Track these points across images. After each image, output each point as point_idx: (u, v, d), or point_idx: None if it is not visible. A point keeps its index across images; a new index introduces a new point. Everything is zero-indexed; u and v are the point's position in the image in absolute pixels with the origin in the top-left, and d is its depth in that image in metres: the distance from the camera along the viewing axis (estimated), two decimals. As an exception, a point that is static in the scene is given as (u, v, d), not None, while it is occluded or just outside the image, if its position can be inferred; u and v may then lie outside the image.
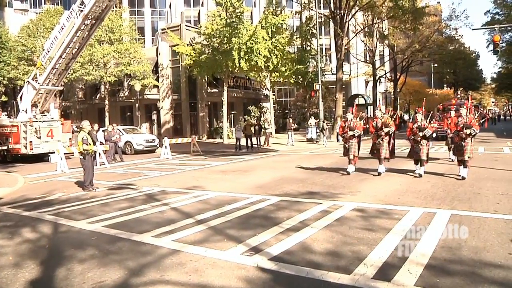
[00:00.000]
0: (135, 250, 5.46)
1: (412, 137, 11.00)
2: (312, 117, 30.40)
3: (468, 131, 10.07)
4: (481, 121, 12.11)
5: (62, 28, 18.24)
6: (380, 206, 7.46)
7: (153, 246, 5.59)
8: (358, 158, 12.33)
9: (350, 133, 11.77)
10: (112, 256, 5.28)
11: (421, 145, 10.78)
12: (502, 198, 7.82)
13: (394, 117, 15.00)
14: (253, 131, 24.79)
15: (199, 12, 46.87)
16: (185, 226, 6.56)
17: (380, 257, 4.79)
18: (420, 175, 10.69)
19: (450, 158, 13.93)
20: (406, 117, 14.05)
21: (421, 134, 10.72)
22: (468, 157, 10.18)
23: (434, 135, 11.13)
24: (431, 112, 13.11)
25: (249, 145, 23.89)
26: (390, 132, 11.54)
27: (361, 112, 14.94)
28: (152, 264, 4.88)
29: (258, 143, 24.55)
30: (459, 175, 10.32)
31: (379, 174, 11.38)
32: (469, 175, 10.71)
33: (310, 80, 32.01)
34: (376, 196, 8.45)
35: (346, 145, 11.99)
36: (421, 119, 10.98)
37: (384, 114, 12.64)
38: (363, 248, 5.13)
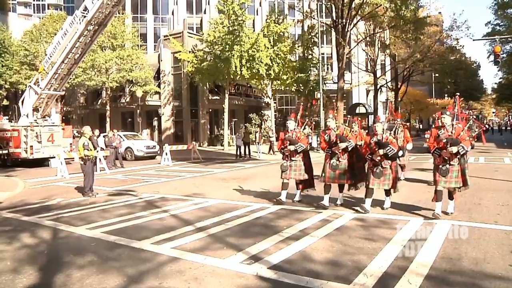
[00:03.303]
0: (134, 257, 5.44)
1: (369, 156, 7.78)
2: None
3: (453, 149, 6.88)
4: (475, 133, 9.34)
5: (65, 34, 18.35)
6: (380, 216, 7.44)
7: (152, 253, 5.57)
8: (313, 181, 9.07)
9: (291, 147, 8.56)
10: (111, 262, 5.26)
11: (382, 167, 7.61)
12: (503, 209, 7.81)
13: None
14: (252, 139, 24.77)
15: (201, 20, 47.03)
16: (185, 233, 6.54)
17: (380, 267, 4.77)
18: (386, 208, 7.90)
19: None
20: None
21: (381, 152, 7.49)
22: (455, 188, 7.19)
23: (401, 153, 7.85)
24: (394, 121, 10.58)
25: (247, 152, 23.85)
26: (349, 148, 8.10)
27: (308, 120, 11.32)
28: (151, 271, 4.86)
29: (249, 152, 24.27)
30: (437, 215, 7.04)
31: (340, 204, 8.34)
32: (469, 186, 10.63)
33: (311, 88, 32.05)
34: (376, 206, 8.42)
35: (286, 163, 8.73)
36: (383, 131, 7.78)
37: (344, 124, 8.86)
38: (363, 258, 5.12)
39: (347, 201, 8.74)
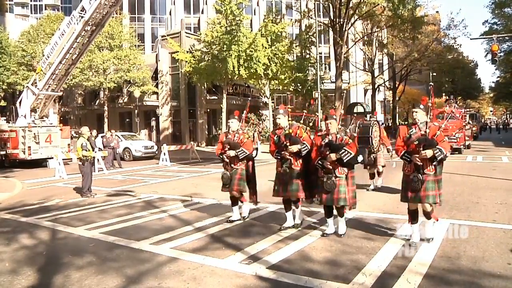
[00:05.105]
0: (133, 257, 5.44)
1: (319, 162, 6.00)
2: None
3: (428, 153, 5.25)
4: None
5: (63, 34, 18.33)
6: (379, 215, 7.45)
7: (151, 253, 5.57)
8: (254, 196, 7.39)
9: (231, 153, 6.94)
10: (110, 263, 5.26)
11: (336, 177, 5.86)
12: (501, 208, 7.82)
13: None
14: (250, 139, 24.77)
15: (199, 20, 47.04)
16: (184, 233, 6.54)
17: (378, 266, 4.78)
18: (342, 235, 6.05)
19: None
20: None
21: (332, 156, 5.81)
22: (434, 203, 5.49)
23: (360, 158, 6.00)
24: (370, 119, 9.30)
25: None
26: (303, 152, 6.29)
27: (252, 120, 8.73)
28: (150, 272, 4.86)
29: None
30: (413, 241, 5.59)
31: (296, 225, 6.61)
32: (467, 185, 10.67)
33: (309, 88, 32.10)
34: (374, 205, 8.44)
35: (228, 173, 7.03)
36: (338, 130, 6.02)
37: (292, 121, 6.90)
38: (362, 257, 5.12)
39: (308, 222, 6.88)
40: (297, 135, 6.35)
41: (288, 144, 6.33)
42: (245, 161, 7.09)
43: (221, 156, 7.14)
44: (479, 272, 4.55)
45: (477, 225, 6.52)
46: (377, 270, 4.68)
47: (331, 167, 5.87)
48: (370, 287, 4.24)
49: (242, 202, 7.43)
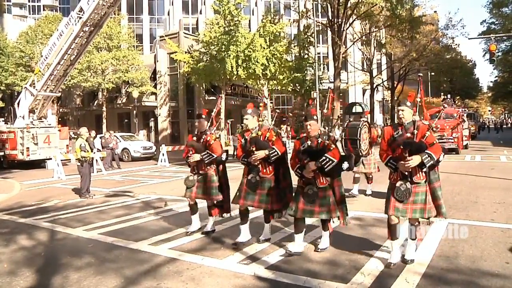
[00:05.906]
0: (131, 258, 5.43)
1: (298, 171, 5.28)
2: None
3: (415, 159, 4.48)
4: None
5: (61, 35, 18.29)
6: (377, 215, 7.43)
7: (150, 254, 5.57)
8: (227, 206, 6.45)
9: (195, 157, 6.20)
10: (108, 264, 5.25)
11: (317, 188, 5.05)
12: (499, 207, 7.84)
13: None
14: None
15: (197, 20, 47.09)
16: (182, 234, 6.53)
17: (377, 266, 4.78)
18: (321, 249, 5.42)
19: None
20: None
21: (311, 165, 5.01)
22: (422, 219, 4.86)
23: (345, 165, 5.08)
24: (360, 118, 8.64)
25: None
26: (273, 158, 5.51)
27: (221, 119, 7.34)
28: (149, 272, 4.86)
29: None
30: (391, 262, 4.78)
31: (263, 240, 5.86)
32: (466, 184, 10.68)
33: (307, 88, 32.11)
34: (373, 205, 8.44)
35: (193, 177, 6.33)
36: (320, 133, 5.19)
37: (263, 121, 6.37)
38: (360, 257, 5.13)
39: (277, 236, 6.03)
40: (266, 138, 5.61)
41: (254, 149, 5.59)
42: (214, 166, 6.34)
43: (187, 161, 6.43)
44: (478, 272, 4.56)
45: (475, 224, 6.53)
46: (375, 270, 4.69)
47: (310, 177, 5.07)
48: (369, 287, 4.25)
49: (211, 215, 6.49)
